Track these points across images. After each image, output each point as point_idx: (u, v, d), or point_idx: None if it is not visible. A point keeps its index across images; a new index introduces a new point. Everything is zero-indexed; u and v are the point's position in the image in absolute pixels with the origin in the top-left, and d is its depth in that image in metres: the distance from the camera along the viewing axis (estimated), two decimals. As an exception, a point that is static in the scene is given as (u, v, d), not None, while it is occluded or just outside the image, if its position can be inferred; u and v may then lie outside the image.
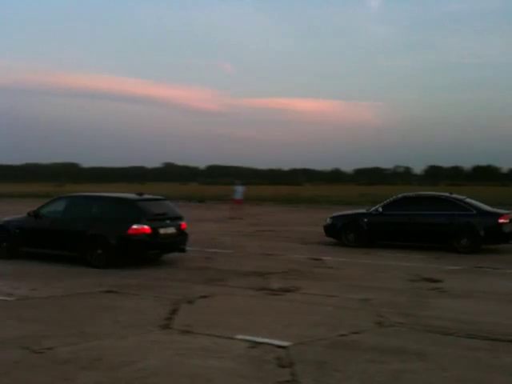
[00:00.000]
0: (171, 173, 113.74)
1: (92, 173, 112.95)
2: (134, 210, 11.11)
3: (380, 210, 14.51)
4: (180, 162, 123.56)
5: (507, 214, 13.92)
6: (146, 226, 10.66)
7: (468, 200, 14.42)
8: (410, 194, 15.64)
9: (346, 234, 14.66)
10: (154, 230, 10.79)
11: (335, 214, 16.03)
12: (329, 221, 15.30)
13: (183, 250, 11.69)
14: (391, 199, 14.96)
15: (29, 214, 11.92)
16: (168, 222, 11.41)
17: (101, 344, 5.82)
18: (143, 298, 8.13)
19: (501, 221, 13.38)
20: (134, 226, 10.61)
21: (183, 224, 11.73)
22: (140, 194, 11.92)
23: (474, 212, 13.67)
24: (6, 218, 12.70)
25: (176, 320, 6.82)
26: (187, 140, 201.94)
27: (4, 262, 11.42)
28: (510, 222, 13.52)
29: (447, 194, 14.76)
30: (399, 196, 15.01)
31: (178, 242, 11.56)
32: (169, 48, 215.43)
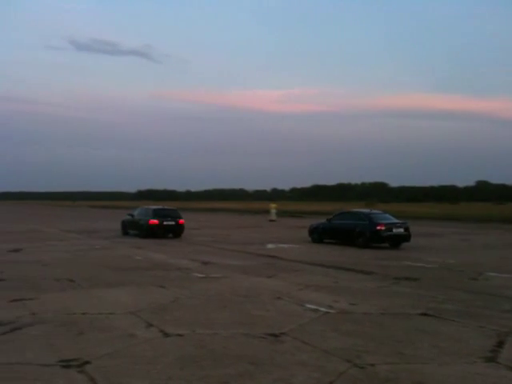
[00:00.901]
0: (484, 191, 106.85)
1: (400, 192, 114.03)
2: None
3: (328, 221, 22.77)
4: (495, 181, 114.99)
5: (385, 223, 20.28)
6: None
7: (371, 213, 21.70)
8: (344, 210, 25.09)
9: (311, 234, 23.39)
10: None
11: (313, 223, 24.45)
12: (310, 226, 24.03)
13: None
14: (336, 213, 23.68)
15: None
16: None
17: (422, 368, 5.63)
18: (464, 326, 7.60)
19: (378, 228, 20.01)
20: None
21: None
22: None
23: (367, 222, 20.54)
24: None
25: (503, 354, 6.15)
26: (502, 156, 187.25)
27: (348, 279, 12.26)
28: (386, 230, 19.99)
29: (359, 209, 23.74)
30: (339, 211, 24.34)
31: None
32: (477, 60, 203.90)
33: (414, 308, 8.77)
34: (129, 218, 27.78)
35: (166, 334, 6.87)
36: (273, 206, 46.40)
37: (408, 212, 53.40)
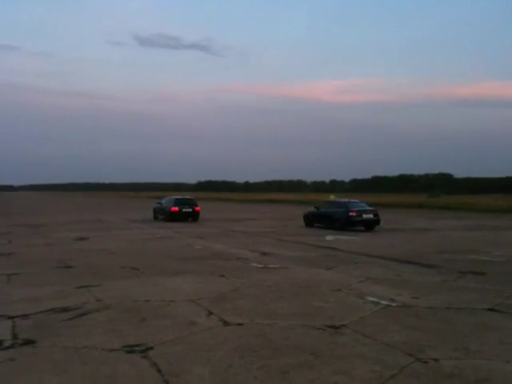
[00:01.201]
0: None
1: (466, 183, 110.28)
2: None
3: (316, 208, 26.89)
4: None
5: (356, 210, 24.19)
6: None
7: (347, 202, 25.53)
8: (331, 199, 29.72)
9: (305, 220, 27.42)
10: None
11: (306, 211, 28.77)
12: (304, 213, 28.24)
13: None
14: (323, 203, 28.10)
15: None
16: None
17: (487, 364, 5.42)
18: (534, 322, 7.25)
19: (350, 214, 23.88)
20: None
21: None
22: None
23: (343, 209, 24.44)
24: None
25: None
26: None
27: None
28: (357, 216, 23.91)
29: (339, 199, 28.90)
30: (326, 201, 28.69)
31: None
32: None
33: (479, 303, 8.44)
34: (158, 205, 33.53)
35: (226, 323, 6.95)
36: (332, 197, 45.94)
37: (473, 204, 51.51)
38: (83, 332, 6.50)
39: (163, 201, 33.34)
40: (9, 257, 14.15)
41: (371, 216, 24.51)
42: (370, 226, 24.51)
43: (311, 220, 26.96)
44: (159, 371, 5.12)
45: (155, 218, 33.11)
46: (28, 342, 6.08)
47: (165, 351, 5.71)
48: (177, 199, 32.12)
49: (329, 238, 20.35)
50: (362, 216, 24.19)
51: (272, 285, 9.81)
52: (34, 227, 25.60)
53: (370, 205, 26.77)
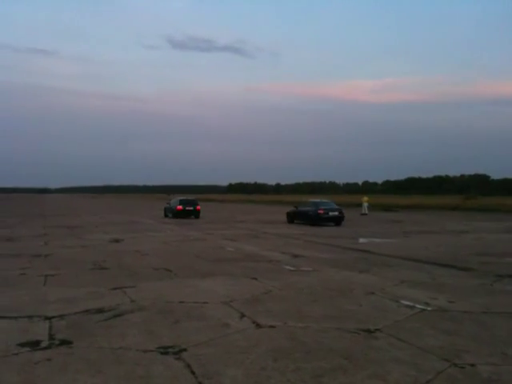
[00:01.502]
0: None
1: (503, 185, 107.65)
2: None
3: (296, 208, 31.78)
4: None
5: (324, 208, 29.28)
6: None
7: (319, 202, 31.12)
8: (308, 200, 33.24)
9: (287, 217, 32.18)
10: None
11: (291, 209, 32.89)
12: (287, 212, 32.74)
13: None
14: (301, 203, 33.00)
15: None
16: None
17: (528, 372, 5.26)
18: None
19: (319, 211, 28.74)
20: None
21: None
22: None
23: (314, 208, 29.31)
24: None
25: None
26: None
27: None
28: (324, 213, 28.80)
29: (313, 200, 33.07)
30: (303, 201, 33.34)
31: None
32: None
33: (519, 308, 8.21)
34: (167, 205, 39.76)
35: (259, 325, 6.94)
36: (365, 199, 45.53)
37: (511, 206, 50.24)
38: (118, 333, 6.58)
39: (171, 201, 39.58)
40: (45, 258, 14.46)
41: (336, 213, 29.64)
42: (338, 221, 29.47)
43: (292, 217, 32.17)
44: (193, 373, 5.15)
45: (165, 215, 39.08)
46: (64, 343, 6.19)
47: (198, 353, 5.74)
48: (181, 200, 38.30)
49: (362, 240, 20.15)
50: (328, 213, 29.46)
51: (304, 287, 9.76)
52: (69, 229, 26.12)
53: (337, 204, 32.52)
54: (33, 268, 12.45)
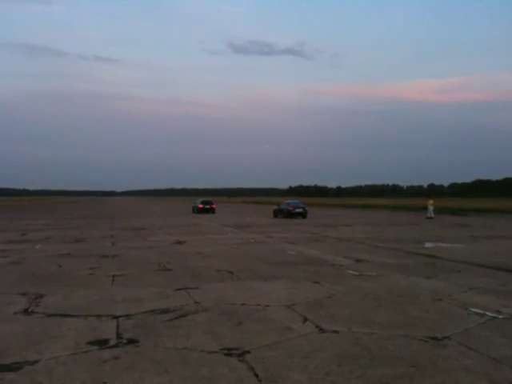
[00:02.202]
0: None
1: None
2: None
3: (279, 206, 44.71)
4: None
5: (293, 206, 42.68)
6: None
7: (291, 202, 46.18)
8: (287, 200, 50.00)
9: (273, 213, 44.68)
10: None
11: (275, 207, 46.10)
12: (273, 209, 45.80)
13: None
14: (281, 203, 46.48)
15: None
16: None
17: None
18: None
19: (290, 208, 41.95)
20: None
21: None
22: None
23: (287, 206, 42.81)
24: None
25: None
26: None
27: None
28: (292, 210, 41.66)
29: (289, 200, 49.23)
30: (282, 202, 47.91)
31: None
32: None
33: None
34: (194, 205, 56.00)
35: (322, 330, 6.85)
36: (430, 203, 44.20)
37: None
38: (183, 333, 6.68)
39: (197, 201, 56.10)
40: (113, 259, 14.93)
41: (301, 210, 42.62)
42: (303, 215, 42.06)
43: (276, 213, 44.74)
44: (256, 376, 5.14)
45: (193, 212, 54.59)
46: (131, 342, 6.34)
47: (261, 356, 5.73)
48: (202, 201, 55.92)
49: (428, 244, 19.55)
50: (295, 210, 42.46)
51: (368, 292, 9.56)
52: (134, 230, 26.89)
53: (303, 203, 46.19)
54: (101, 268, 12.89)
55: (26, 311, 8.08)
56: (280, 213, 43.53)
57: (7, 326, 7.12)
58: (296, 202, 46.03)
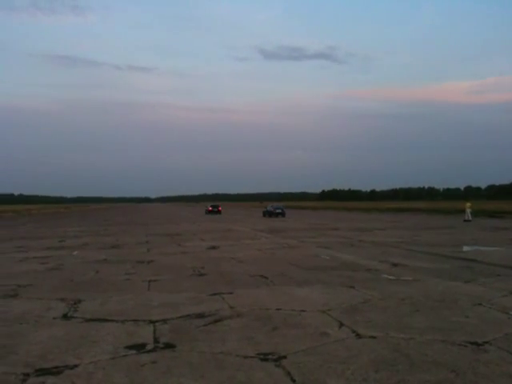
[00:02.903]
0: None
1: None
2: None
3: (266, 208, 63.16)
4: None
5: (274, 207, 61.18)
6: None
7: (273, 205, 66.93)
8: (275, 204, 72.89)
9: (263, 214, 61.68)
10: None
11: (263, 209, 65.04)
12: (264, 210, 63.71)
13: None
14: (267, 205, 67.64)
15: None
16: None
17: None
18: None
19: (271, 209, 60.03)
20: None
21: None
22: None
23: (270, 208, 61.19)
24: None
25: None
26: None
27: None
28: (273, 210, 59.27)
29: (271, 204, 74.55)
30: (270, 204, 70.30)
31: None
32: None
33: None
34: (205, 208, 76.35)
35: (359, 335, 6.77)
36: (468, 205, 43.30)
37: None
38: (218, 338, 6.70)
39: (208, 205, 77.57)
40: (148, 264, 15.12)
41: (280, 210, 58.35)
42: (282, 214, 57.48)
43: (264, 214, 60.25)
44: (293, 381, 5.11)
45: (205, 213, 71.99)
46: (168, 346, 6.40)
47: (298, 361, 5.70)
48: (211, 204, 77.50)
49: (466, 248, 19.14)
50: (276, 210, 58.18)
51: (405, 297, 9.41)
52: (169, 236, 27.16)
53: (283, 206, 64.05)
54: (137, 274, 13.06)
55: (65, 316, 8.24)
56: (267, 213, 59.88)
57: (47, 331, 7.28)
58: (277, 205, 64.45)
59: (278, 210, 59.12)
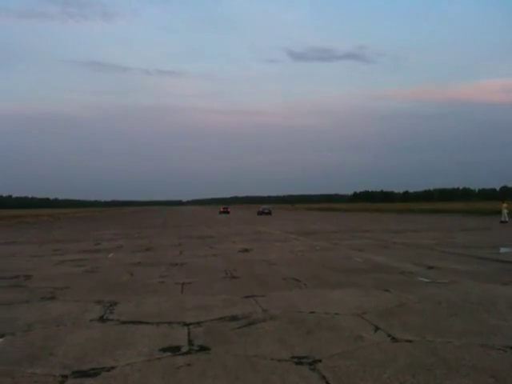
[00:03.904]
0: None
1: None
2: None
3: (259, 208, 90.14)
4: None
5: (263, 208, 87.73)
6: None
7: (264, 206, 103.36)
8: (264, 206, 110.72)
9: (257, 213, 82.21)
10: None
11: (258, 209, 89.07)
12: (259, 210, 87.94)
13: None
14: (261, 206, 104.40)
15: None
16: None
17: None
18: None
19: (261, 210, 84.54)
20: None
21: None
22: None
23: (261, 209, 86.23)
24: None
25: None
26: None
27: None
28: (262, 210, 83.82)
29: (262, 206, 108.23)
30: (263, 206, 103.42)
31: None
32: None
33: None
34: (219, 210, 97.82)
35: (395, 339, 6.67)
36: (504, 206, 42.24)
37: None
38: (252, 341, 6.70)
39: (221, 207, 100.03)
40: (181, 267, 15.24)
41: (267, 211, 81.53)
42: (269, 214, 78.34)
43: (258, 213, 79.73)
44: (328, 385, 5.07)
45: (219, 214, 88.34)
46: (202, 349, 6.43)
47: (333, 365, 5.64)
48: (223, 207, 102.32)
49: (503, 250, 18.69)
50: (264, 211, 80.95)
51: (442, 300, 9.22)
52: (201, 239, 27.34)
53: (270, 207, 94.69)
54: (170, 276, 13.18)
55: (101, 318, 8.38)
56: (259, 213, 79.99)
57: (84, 333, 7.41)
58: (266, 207, 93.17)
59: (266, 210, 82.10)
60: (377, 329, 7.21)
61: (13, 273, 14.53)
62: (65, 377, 5.50)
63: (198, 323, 7.79)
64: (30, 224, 63.10)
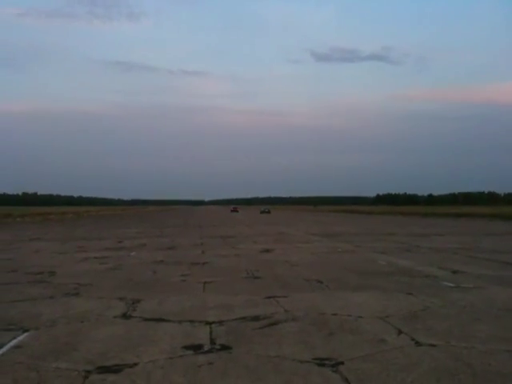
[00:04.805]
0: None
1: None
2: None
3: (261, 208, 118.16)
4: None
5: (263, 208, 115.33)
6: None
7: (262, 207, 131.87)
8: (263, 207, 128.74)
9: (260, 212, 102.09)
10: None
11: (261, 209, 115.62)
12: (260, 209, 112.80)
13: None
14: (262, 207, 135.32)
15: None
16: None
17: None
18: None
19: (262, 210, 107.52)
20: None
21: None
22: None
23: (262, 209, 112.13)
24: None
25: None
26: None
27: None
28: (262, 210, 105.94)
29: (263, 207, 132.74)
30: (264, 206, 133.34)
31: None
32: None
33: None
34: (231, 208, 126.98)
35: (418, 343, 6.58)
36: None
37: None
38: (274, 341, 6.68)
39: (231, 207, 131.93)
40: (203, 266, 15.30)
41: (267, 210, 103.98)
42: (268, 212, 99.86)
43: (260, 212, 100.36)
44: (351, 388, 5.02)
45: (231, 211, 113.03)
46: (224, 348, 6.43)
47: (355, 367, 5.59)
48: (233, 206, 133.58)
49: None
50: (265, 210, 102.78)
51: (466, 305, 9.08)
52: (222, 238, 27.42)
53: (268, 208, 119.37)
54: (192, 275, 13.24)
55: (124, 315, 8.45)
56: (261, 212, 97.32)
57: (108, 330, 7.48)
58: (265, 207, 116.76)
59: (266, 210, 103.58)
60: (400, 332, 7.13)
61: (37, 269, 14.78)
62: (88, 372, 5.56)
63: (220, 322, 7.80)
64: (54, 221, 64.09)
